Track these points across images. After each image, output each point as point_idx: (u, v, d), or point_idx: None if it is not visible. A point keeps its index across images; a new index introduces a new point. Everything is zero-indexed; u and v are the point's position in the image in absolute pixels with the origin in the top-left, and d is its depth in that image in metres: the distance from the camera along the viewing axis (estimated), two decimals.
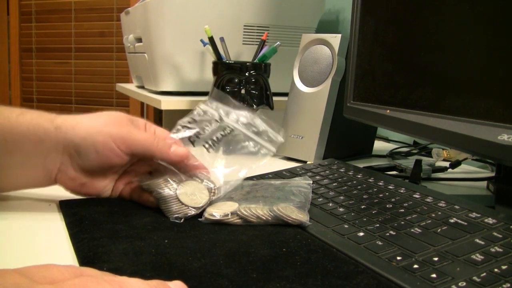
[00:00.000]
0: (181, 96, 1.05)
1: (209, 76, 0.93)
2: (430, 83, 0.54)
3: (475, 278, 0.33)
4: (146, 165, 0.54)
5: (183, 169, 0.52)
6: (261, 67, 0.85)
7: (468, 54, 0.50)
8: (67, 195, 0.53)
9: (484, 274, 0.33)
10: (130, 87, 1.38)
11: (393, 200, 0.49)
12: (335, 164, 0.66)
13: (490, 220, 0.41)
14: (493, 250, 0.36)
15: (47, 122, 0.48)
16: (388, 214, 0.45)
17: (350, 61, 0.68)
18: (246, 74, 0.83)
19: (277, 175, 0.63)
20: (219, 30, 0.90)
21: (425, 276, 0.34)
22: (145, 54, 1.11)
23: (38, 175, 0.50)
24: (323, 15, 1.19)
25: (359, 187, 0.55)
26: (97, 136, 0.48)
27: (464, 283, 0.32)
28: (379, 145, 1.00)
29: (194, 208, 0.47)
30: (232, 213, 0.46)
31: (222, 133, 0.52)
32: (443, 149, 0.87)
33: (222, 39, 0.89)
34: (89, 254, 0.38)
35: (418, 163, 0.68)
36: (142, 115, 2.32)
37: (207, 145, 0.52)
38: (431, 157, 0.87)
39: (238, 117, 0.53)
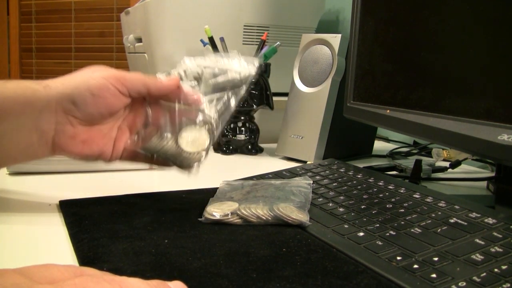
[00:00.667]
0: None
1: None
2: (430, 83, 0.54)
3: (475, 278, 0.33)
4: (139, 115, 0.53)
5: (177, 111, 0.51)
6: (261, 67, 0.85)
7: (468, 54, 0.50)
8: (67, 195, 0.53)
9: (484, 274, 0.33)
10: None
11: (393, 200, 0.49)
12: (335, 164, 0.66)
13: (490, 220, 0.41)
14: (493, 250, 0.36)
15: (35, 84, 0.46)
16: (388, 214, 0.45)
17: (350, 61, 0.68)
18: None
19: (277, 175, 0.63)
20: (219, 30, 0.90)
21: (425, 276, 0.34)
22: (145, 54, 1.11)
23: (32, 140, 0.47)
24: (323, 15, 1.19)
25: (359, 187, 0.55)
26: (90, 80, 0.47)
27: (464, 283, 0.32)
28: (379, 145, 1.00)
29: (203, 151, 0.48)
30: (232, 213, 0.46)
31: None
32: (443, 149, 0.87)
33: (222, 39, 0.89)
34: (89, 254, 0.38)
35: (418, 163, 0.68)
36: None
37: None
38: (431, 157, 0.87)
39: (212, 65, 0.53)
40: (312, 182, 0.56)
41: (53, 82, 0.47)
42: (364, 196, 0.51)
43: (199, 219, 0.46)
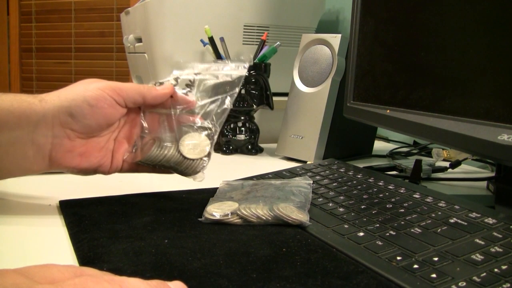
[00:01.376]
0: None
1: None
2: (430, 83, 0.54)
3: (475, 278, 0.33)
4: (135, 125, 0.53)
5: (174, 116, 0.52)
6: (261, 67, 0.85)
7: (468, 54, 0.50)
8: (67, 195, 0.53)
9: (484, 274, 0.33)
10: None
11: (393, 200, 0.49)
12: (335, 164, 0.66)
13: (490, 220, 0.41)
14: (493, 250, 0.36)
15: (31, 97, 0.46)
16: (388, 214, 0.45)
17: (350, 61, 0.68)
18: (246, 74, 0.83)
19: (277, 175, 0.63)
20: (219, 30, 0.90)
21: (425, 276, 0.34)
22: (145, 54, 1.11)
23: (28, 154, 0.46)
24: (323, 15, 1.19)
25: (359, 187, 0.55)
26: (86, 92, 0.47)
27: (464, 283, 0.32)
28: (379, 145, 1.00)
29: (205, 157, 0.49)
30: (232, 213, 0.46)
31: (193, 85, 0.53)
32: (443, 149, 0.87)
33: (222, 39, 0.89)
34: (89, 254, 0.38)
35: (418, 163, 0.68)
36: None
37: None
38: (431, 157, 0.87)
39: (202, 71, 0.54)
40: (312, 182, 0.56)
41: (49, 95, 0.47)
42: (364, 196, 0.51)
43: (199, 219, 0.46)
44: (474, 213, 0.43)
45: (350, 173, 0.60)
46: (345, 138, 0.84)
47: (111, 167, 0.52)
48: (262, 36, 0.90)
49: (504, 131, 0.44)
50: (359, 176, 0.59)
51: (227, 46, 0.89)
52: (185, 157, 0.48)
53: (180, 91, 0.52)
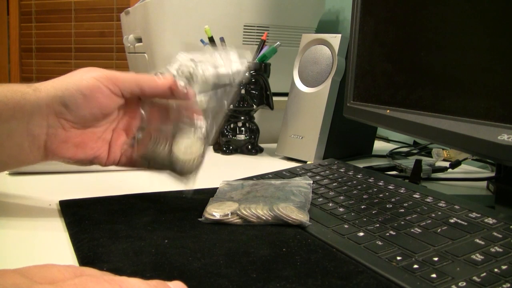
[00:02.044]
0: None
1: None
2: (430, 83, 0.54)
3: (475, 278, 0.33)
4: (135, 117, 0.52)
5: (172, 112, 0.51)
6: (261, 67, 0.85)
7: (468, 54, 0.50)
8: (67, 195, 0.53)
9: (484, 274, 0.33)
10: None
11: (393, 200, 0.49)
12: (335, 164, 0.66)
13: (490, 220, 0.41)
14: (493, 250, 0.36)
15: (25, 87, 0.45)
16: (388, 214, 0.45)
17: (350, 61, 0.68)
18: (246, 74, 0.83)
19: (277, 175, 0.63)
20: (219, 30, 0.90)
21: (425, 276, 0.34)
22: (145, 54, 1.11)
23: (23, 145, 0.45)
24: (323, 15, 1.19)
25: (359, 187, 0.55)
26: (80, 81, 0.46)
27: (464, 283, 0.32)
28: (379, 145, 1.00)
29: (198, 157, 0.48)
30: (232, 213, 0.46)
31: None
32: (443, 149, 0.87)
33: (222, 39, 0.89)
34: (89, 254, 0.38)
35: (418, 163, 0.68)
36: None
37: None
38: (431, 157, 0.87)
39: (204, 63, 0.52)
40: (312, 182, 0.56)
41: (43, 84, 0.46)
42: (364, 196, 0.51)
43: (199, 219, 0.46)
44: (474, 213, 0.43)
45: (350, 173, 0.60)
46: (345, 138, 0.84)
47: (108, 159, 0.50)
48: (262, 36, 0.90)
49: (504, 131, 0.44)
50: (359, 176, 0.59)
51: (227, 46, 0.89)
52: (177, 157, 0.48)
53: (180, 82, 0.50)
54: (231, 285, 0.33)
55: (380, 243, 0.39)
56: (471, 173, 0.79)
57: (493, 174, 0.75)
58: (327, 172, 0.62)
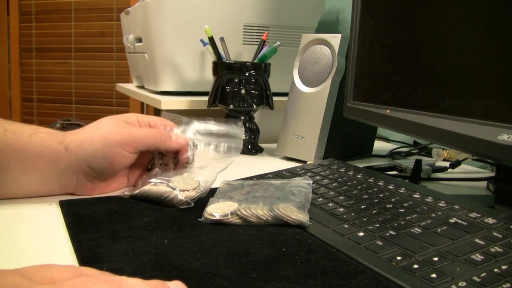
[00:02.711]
0: (181, 96, 1.05)
1: (209, 76, 0.93)
2: (430, 83, 0.54)
3: (475, 278, 0.33)
4: (148, 154, 0.60)
5: (176, 161, 0.59)
6: (261, 67, 0.85)
7: (468, 54, 0.50)
8: (67, 195, 0.53)
9: (484, 274, 0.33)
10: (130, 87, 1.37)
11: (393, 200, 0.49)
12: (335, 164, 0.66)
13: (490, 220, 0.41)
14: (493, 250, 0.36)
15: (57, 144, 0.51)
16: (388, 214, 0.45)
17: (350, 61, 0.68)
18: (246, 74, 0.83)
19: (277, 175, 0.63)
20: (219, 30, 0.90)
21: (425, 276, 0.34)
22: (145, 54, 1.11)
23: (53, 190, 0.53)
24: (323, 15, 1.19)
25: (359, 187, 0.55)
26: (105, 149, 0.52)
27: (464, 283, 0.32)
28: (379, 145, 1.00)
29: (192, 190, 0.52)
30: (232, 213, 0.46)
31: (190, 152, 0.59)
32: (443, 149, 0.87)
33: (222, 39, 0.89)
34: (89, 254, 0.38)
35: (418, 163, 0.68)
36: None
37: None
38: (431, 157, 0.87)
39: (194, 129, 0.60)
40: (312, 182, 0.56)
41: (73, 143, 0.52)
42: (364, 196, 0.51)
43: (199, 219, 0.46)
44: (474, 213, 0.43)
45: (350, 173, 0.60)
46: (345, 138, 0.84)
47: (127, 185, 0.59)
48: (262, 36, 0.90)
49: (504, 131, 0.44)
50: (359, 176, 0.59)
51: (227, 46, 0.89)
52: (173, 188, 0.52)
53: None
54: (231, 285, 0.33)
55: (380, 243, 0.39)
56: (471, 173, 0.79)
57: (493, 174, 0.75)
58: (327, 172, 0.62)
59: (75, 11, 2.51)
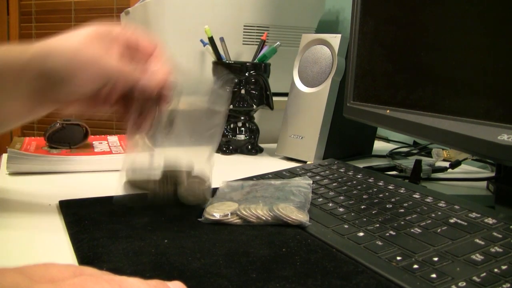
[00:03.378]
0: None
1: (209, 76, 0.93)
2: (430, 83, 0.54)
3: (475, 278, 0.33)
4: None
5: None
6: (261, 67, 0.85)
7: (468, 54, 0.50)
8: (67, 195, 0.53)
9: (484, 274, 0.33)
10: None
11: (393, 200, 0.49)
12: (335, 164, 0.66)
13: (490, 220, 0.41)
14: (493, 250, 0.36)
15: (20, 54, 0.45)
16: (388, 214, 0.45)
17: (350, 61, 0.68)
18: (246, 74, 0.83)
19: (277, 175, 0.63)
20: (219, 30, 0.90)
21: (425, 276, 0.34)
22: None
23: (23, 108, 0.47)
24: (323, 15, 1.19)
25: (359, 187, 0.55)
26: (68, 65, 0.45)
27: (464, 283, 0.32)
28: (379, 145, 1.00)
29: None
30: (232, 213, 0.46)
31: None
32: (443, 149, 0.87)
33: (222, 39, 0.89)
34: (88, 254, 0.38)
35: (418, 163, 0.68)
36: None
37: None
38: (431, 157, 0.87)
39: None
40: (312, 182, 0.56)
41: (38, 54, 0.46)
42: (364, 196, 0.51)
43: (199, 219, 0.46)
44: (474, 213, 0.43)
45: (350, 173, 0.60)
46: (345, 138, 0.84)
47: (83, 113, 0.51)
48: (262, 36, 0.90)
49: (504, 131, 0.44)
50: (359, 176, 0.59)
51: (227, 46, 0.89)
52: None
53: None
54: (230, 285, 0.33)
55: (380, 243, 0.39)
56: (471, 173, 0.79)
57: (493, 174, 0.75)
58: (327, 172, 0.62)
59: (75, 11, 2.51)
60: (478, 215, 0.43)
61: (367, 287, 0.33)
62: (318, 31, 1.15)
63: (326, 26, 1.31)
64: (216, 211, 0.46)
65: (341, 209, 0.48)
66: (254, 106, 0.85)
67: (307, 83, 0.82)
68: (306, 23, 1.12)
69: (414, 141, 1.00)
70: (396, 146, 0.98)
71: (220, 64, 0.86)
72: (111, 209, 0.49)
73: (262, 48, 0.89)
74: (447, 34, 0.52)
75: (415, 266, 0.35)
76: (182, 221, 0.46)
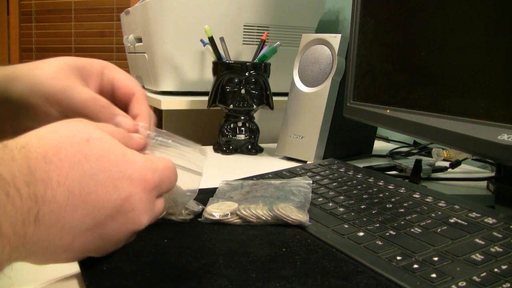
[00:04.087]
0: (181, 96, 1.05)
1: (209, 76, 0.93)
2: (430, 83, 0.54)
3: (475, 278, 0.33)
4: None
5: None
6: (261, 67, 0.85)
7: (468, 54, 0.50)
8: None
9: (484, 274, 0.33)
10: None
11: (393, 200, 0.49)
12: (335, 164, 0.66)
13: (490, 220, 0.41)
14: (493, 250, 0.36)
15: None
16: (388, 214, 0.45)
17: (350, 61, 0.68)
18: (246, 74, 0.83)
19: (277, 175, 0.63)
20: (219, 30, 0.90)
21: (425, 276, 0.34)
22: (145, 54, 1.11)
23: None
24: (323, 15, 1.19)
25: (359, 187, 0.55)
26: (32, 94, 0.41)
27: (464, 283, 0.32)
28: (379, 145, 1.00)
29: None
30: (231, 213, 0.46)
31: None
32: (443, 149, 0.87)
33: (222, 39, 0.89)
34: None
35: (418, 163, 0.68)
36: None
37: None
38: (431, 157, 0.87)
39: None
40: (312, 182, 0.56)
41: (7, 78, 0.43)
42: (364, 196, 0.51)
43: (199, 219, 0.46)
44: (474, 213, 0.43)
45: (350, 173, 0.60)
46: (345, 138, 0.84)
47: None
48: (262, 36, 0.90)
49: (504, 131, 0.44)
50: (359, 176, 0.59)
51: (227, 46, 0.89)
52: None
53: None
54: (230, 284, 0.33)
55: (380, 243, 0.39)
56: (471, 173, 0.79)
57: (493, 174, 0.75)
58: (327, 172, 0.62)
59: (75, 11, 2.51)
60: (478, 215, 0.43)
61: (367, 287, 0.33)
62: (318, 31, 1.15)
63: (326, 26, 1.31)
64: (216, 211, 0.46)
65: (341, 209, 0.48)
66: (254, 106, 0.85)
67: (307, 83, 0.82)
68: (306, 23, 1.12)
69: (414, 141, 1.00)
70: (396, 146, 0.98)
71: (220, 64, 0.86)
72: None
73: (262, 48, 0.89)
74: (447, 34, 0.52)
75: (415, 266, 0.35)
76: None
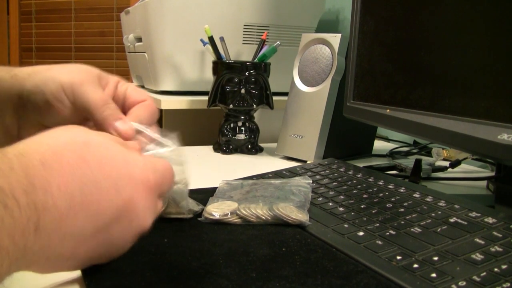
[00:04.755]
0: (181, 96, 1.05)
1: (209, 75, 0.93)
2: (430, 83, 0.54)
3: (475, 277, 0.33)
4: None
5: None
6: (261, 67, 0.85)
7: (468, 54, 0.50)
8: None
9: (484, 273, 0.33)
10: None
11: (393, 199, 0.49)
12: (335, 163, 0.66)
13: (490, 220, 0.41)
14: (493, 249, 0.36)
15: (4, 71, 0.43)
16: (388, 213, 0.45)
17: (350, 60, 0.68)
18: (246, 73, 0.83)
19: (277, 174, 0.63)
20: (219, 30, 0.90)
21: (425, 275, 0.34)
22: (145, 54, 1.11)
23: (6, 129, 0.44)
24: (323, 15, 1.19)
25: (359, 186, 0.55)
26: (46, 86, 0.42)
27: (464, 283, 0.32)
28: (379, 145, 1.00)
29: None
30: (231, 213, 0.46)
31: None
32: (443, 148, 0.87)
33: (222, 39, 0.89)
34: None
35: (418, 162, 0.68)
36: None
37: None
38: (431, 156, 0.87)
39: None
40: (311, 181, 0.56)
41: (21, 72, 0.44)
42: (364, 196, 0.51)
43: (199, 218, 0.46)
44: (474, 213, 0.43)
45: (350, 173, 0.60)
46: (345, 137, 0.84)
47: None
48: (262, 35, 0.90)
49: (504, 131, 0.44)
50: (359, 176, 0.59)
51: (227, 45, 0.89)
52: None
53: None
54: (230, 284, 0.33)
55: (380, 242, 0.39)
56: (471, 173, 0.79)
57: (493, 174, 0.75)
58: (327, 171, 0.62)
59: (75, 10, 2.51)
60: (478, 215, 0.43)
61: (367, 287, 0.33)
62: (318, 30, 1.15)
63: (326, 25, 1.31)
64: (216, 211, 0.46)
65: (341, 209, 0.48)
66: (254, 105, 0.85)
67: (307, 83, 0.82)
68: (306, 23, 1.12)
69: (414, 141, 1.00)
70: (396, 146, 0.98)
71: (220, 63, 0.86)
72: None
73: (262, 48, 0.89)
74: (447, 34, 0.52)
75: (415, 265, 0.35)
76: (182, 220, 0.46)
